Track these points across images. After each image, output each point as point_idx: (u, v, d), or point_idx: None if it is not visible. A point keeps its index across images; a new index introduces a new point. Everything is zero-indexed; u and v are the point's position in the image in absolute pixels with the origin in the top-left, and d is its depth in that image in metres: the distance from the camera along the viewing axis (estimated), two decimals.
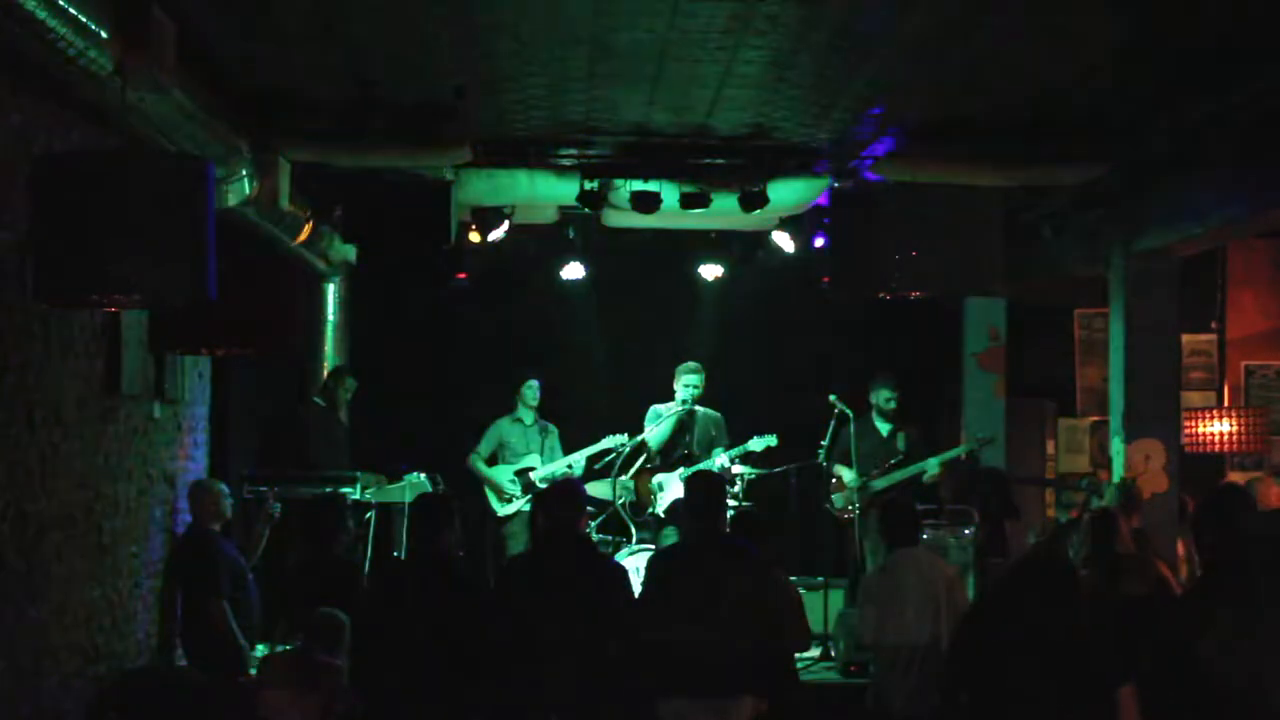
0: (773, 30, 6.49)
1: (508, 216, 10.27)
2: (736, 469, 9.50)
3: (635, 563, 8.11)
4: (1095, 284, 10.16)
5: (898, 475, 9.58)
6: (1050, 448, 12.24)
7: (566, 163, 9.26)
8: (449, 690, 5.76)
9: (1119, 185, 8.98)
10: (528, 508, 9.70)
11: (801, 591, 7.15)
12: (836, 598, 9.20)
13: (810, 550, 9.79)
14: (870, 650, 6.86)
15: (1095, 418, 11.37)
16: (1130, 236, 9.29)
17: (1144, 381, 9.48)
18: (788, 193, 9.48)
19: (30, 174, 5.48)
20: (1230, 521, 5.00)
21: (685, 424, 9.74)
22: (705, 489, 6.11)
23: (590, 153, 9.06)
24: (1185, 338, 10.46)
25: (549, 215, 10.65)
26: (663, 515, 9.51)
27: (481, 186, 9.49)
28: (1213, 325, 11.19)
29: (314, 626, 6.33)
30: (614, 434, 9.84)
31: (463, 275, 11.37)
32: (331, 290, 11.01)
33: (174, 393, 8.38)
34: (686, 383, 9.68)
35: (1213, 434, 10.35)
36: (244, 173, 7.56)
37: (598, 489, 9.65)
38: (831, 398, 9.53)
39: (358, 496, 9.14)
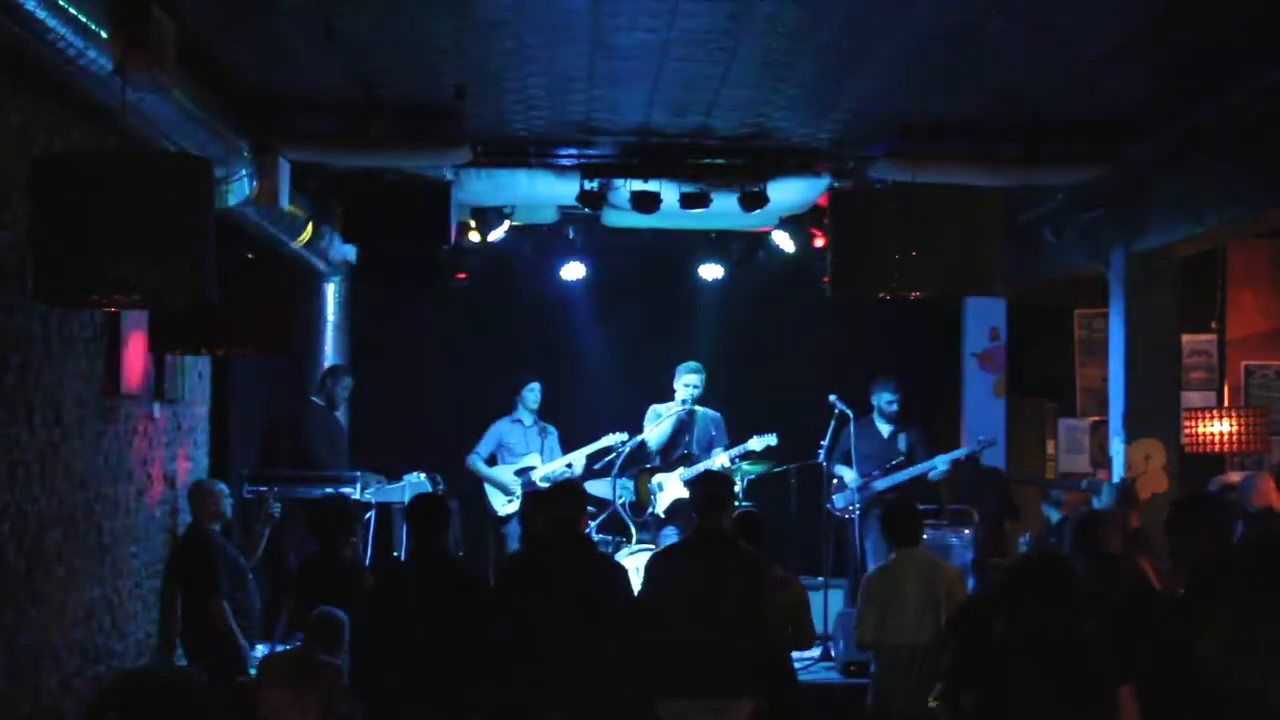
0: (772, 30, 6.49)
1: (508, 216, 10.28)
2: (730, 464, 9.47)
3: (635, 563, 8.10)
4: (1095, 284, 10.16)
5: (900, 476, 9.58)
6: (1050, 448, 12.24)
7: (566, 163, 9.27)
8: (449, 690, 5.76)
9: (1119, 185, 8.98)
10: None
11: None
12: (836, 598, 9.20)
13: (810, 550, 9.78)
14: (870, 650, 6.85)
15: (1095, 418, 11.37)
16: (1130, 236, 9.28)
17: (1144, 381, 9.48)
18: (788, 193, 9.48)
19: (30, 174, 5.48)
20: (1194, 531, 5.02)
21: (685, 424, 9.73)
22: (712, 489, 6.12)
23: (590, 153, 9.07)
24: (1185, 338, 10.45)
25: (549, 215, 10.66)
26: (663, 515, 9.50)
27: (481, 186, 9.49)
28: (1213, 325, 11.18)
29: (314, 626, 6.33)
30: (614, 433, 9.84)
31: (463, 275, 11.39)
32: (331, 290, 11.01)
33: (174, 393, 8.38)
34: (688, 383, 9.67)
35: (1213, 434, 10.35)
36: (244, 173, 7.57)
37: (598, 489, 9.65)
38: (831, 398, 9.52)
39: (358, 496, 9.14)
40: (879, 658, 6.76)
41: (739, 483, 9.41)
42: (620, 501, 9.68)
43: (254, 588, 7.88)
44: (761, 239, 11.25)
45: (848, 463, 9.58)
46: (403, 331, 11.76)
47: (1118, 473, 9.43)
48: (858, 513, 9.40)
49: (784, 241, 10.69)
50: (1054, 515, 9.37)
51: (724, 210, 9.49)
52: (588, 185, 9.32)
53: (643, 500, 9.66)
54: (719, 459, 9.48)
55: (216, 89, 6.99)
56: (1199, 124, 7.83)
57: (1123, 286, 9.49)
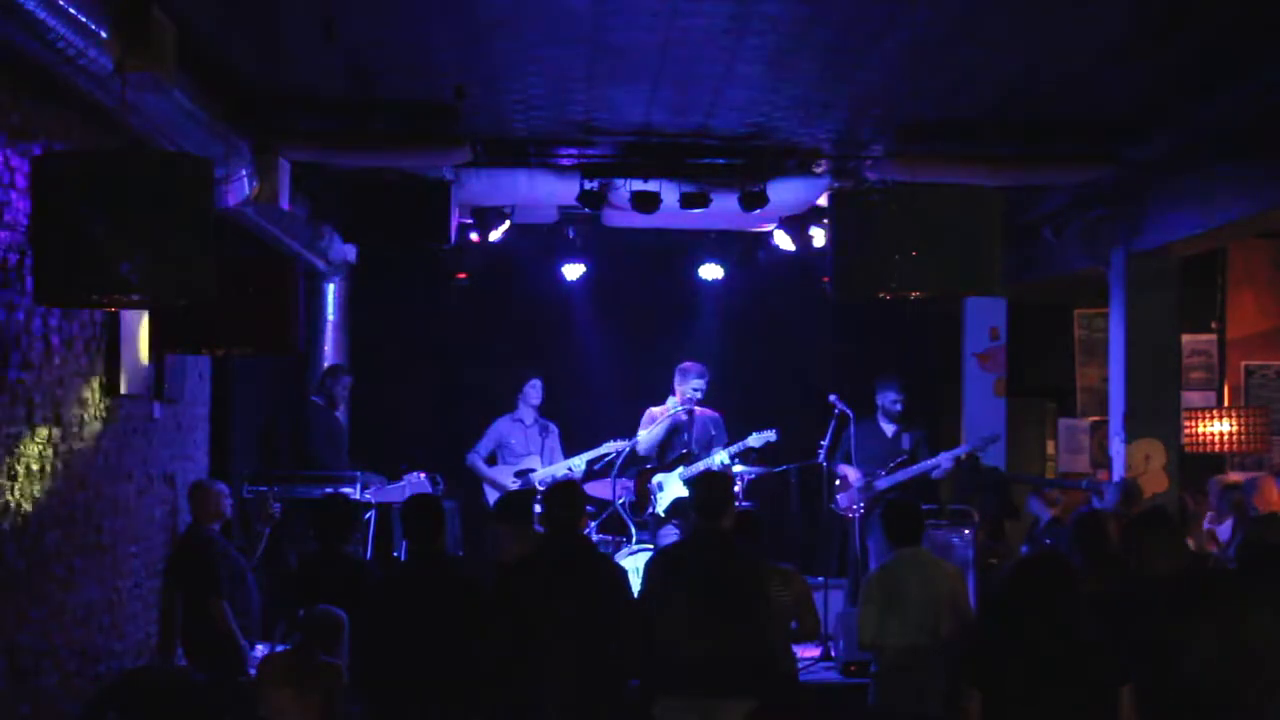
0: (773, 30, 6.49)
1: (508, 216, 10.27)
2: (736, 467, 9.48)
3: (635, 563, 8.11)
4: (1095, 284, 10.16)
5: (903, 475, 9.57)
6: (1050, 448, 12.25)
7: (566, 163, 9.27)
8: (449, 690, 5.76)
9: (1119, 185, 8.98)
10: None
11: None
12: (836, 598, 9.20)
13: (810, 550, 9.79)
14: (870, 650, 6.85)
15: (1095, 418, 11.38)
16: (1130, 236, 9.29)
17: (1144, 381, 9.49)
18: (788, 193, 9.48)
19: (30, 174, 5.48)
20: (1141, 545, 5.37)
21: (683, 424, 9.72)
22: (712, 488, 6.12)
23: (590, 153, 9.07)
24: (1185, 338, 10.46)
25: (549, 215, 10.66)
26: (662, 515, 9.50)
27: (481, 186, 9.49)
28: (1213, 325, 11.19)
29: (314, 626, 6.32)
30: (614, 438, 9.83)
31: (463, 275, 11.39)
32: (331, 290, 11.01)
33: (174, 393, 8.38)
34: (696, 386, 9.64)
35: (1213, 434, 10.37)
36: (244, 173, 7.56)
37: (598, 489, 9.65)
38: (832, 398, 9.52)
39: (358, 496, 9.14)
40: (879, 658, 6.75)
41: (738, 483, 9.41)
42: (620, 501, 9.68)
43: (254, 588, 7.88)
44: (762, 239, 11.26)
45: (849, 463, 9.58)
46: (403, 331, 11.76)
47: (1118, 473, 9.43)
48: (861, 512, 9.40)
49: (784, 241, 10.69)
50: (1044, 515, 9.38)
51: (724, 210, 9.49)
52: (588, 185, 9.32)
53: (643, 500, 9.65)
54: (719, 457, 9.48)
55: (216, 89, 6.99)
56: (1199, 124, 7.83)
57: (1123, 286, 9.50)
